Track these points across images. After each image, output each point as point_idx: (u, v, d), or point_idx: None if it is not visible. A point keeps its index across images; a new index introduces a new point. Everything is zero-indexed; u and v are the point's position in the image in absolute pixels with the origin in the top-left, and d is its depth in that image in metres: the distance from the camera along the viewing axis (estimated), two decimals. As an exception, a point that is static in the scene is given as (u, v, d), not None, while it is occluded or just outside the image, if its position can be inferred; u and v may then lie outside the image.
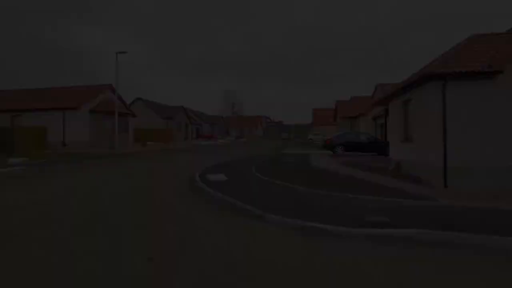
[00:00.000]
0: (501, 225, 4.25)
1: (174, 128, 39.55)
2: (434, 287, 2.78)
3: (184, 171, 10.77)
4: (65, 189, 7.55)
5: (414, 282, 2.86)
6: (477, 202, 5.64)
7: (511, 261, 3.45)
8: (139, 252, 3.56)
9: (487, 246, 3.69)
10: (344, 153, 16.40)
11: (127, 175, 9.88)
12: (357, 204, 5.50)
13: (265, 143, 42.14)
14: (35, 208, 5.64)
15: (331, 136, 18.24)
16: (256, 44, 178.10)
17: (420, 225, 4.18)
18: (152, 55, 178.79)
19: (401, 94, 9.37)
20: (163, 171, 10.93)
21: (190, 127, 47.32)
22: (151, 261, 3.27)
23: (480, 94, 6.99)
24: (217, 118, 67.45)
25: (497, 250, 3.61)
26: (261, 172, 9.67)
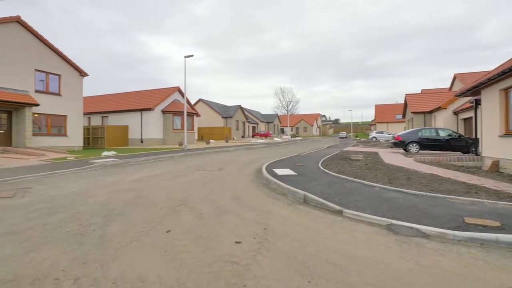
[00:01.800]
0: None
1: (233, 127, 41.08)
2: None
3: (250, 166, 11.08)
4: (156, 176, 8.41)
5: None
6: None
7: None
8: (227, 237, 3.73)
9: None
10: (418, 152, 14.88)
11: (200, 167, 10.56)
12: (450, 205, 4.89)
13: (322, 141, 40.81)
14: (140, 186, 6.41)
15: (402, 133, 16.68)
16: (309, 41, 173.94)
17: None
18: (208, 58, 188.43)
19: (502, 80, 8.03)
20: (230, 164, 11.39)
21: (247, 125, 48.60)
22: (239, 243, 3.44)
23: None
24: (272, 116, 67.89)
25: None
26: (329, 168, 9.34)
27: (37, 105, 16.82)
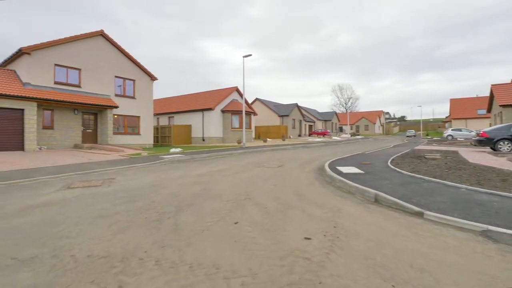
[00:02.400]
0: None
1: (289, 125, 40.78)
2: None
3: (310, 164, 10.78)
4: (219, 171, 8.79)
5: None
6: None
7: None
8: (295, 233, 3.60)
9: None
10: (510, 151, 12.61)
11: (260, 164, 10.66)
12: None
13: (387, 140, 37.76)
14: (205, 179, 6.77)
15: (488, 129, 14.35)
16: (369, 33, 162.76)
17: None
18: (262, 58, 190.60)
19: None
20: (290, 162, 11.25)
21: (304, 124, 47.73)
22: (308, 239, 3.27)
23: None
24: (330, 114, 65.41)
25: None
26: (401, 167, 8.50)
27: (116, 107, 19.12)
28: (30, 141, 15.21)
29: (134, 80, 21.61)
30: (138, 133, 21.79)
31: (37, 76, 16.29)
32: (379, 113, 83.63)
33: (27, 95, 15.00)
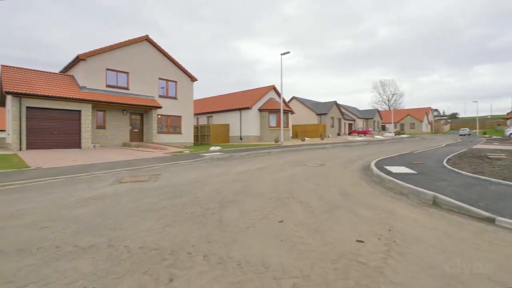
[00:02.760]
0: None
1: (327, 124, 39.59)
2: None
3: (353, 163, 10.26)
4: (259, 169, 8.77)
5: None
6: None
7: None
8: (345, 234, 3.36)
9: None
10: None
11: (300, 162, 10.42)
12: None
13: (436, 139, 34.83)
14: (246, 177, 6.77)
15: None
16: (413, 25, 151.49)
17: None
18: (298, 56, 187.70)
19: None
20: (331, 160, 10.83)
21: (343, 122, 46.00)
22: (361, 242, 3.01)
23: None
24: (371, 112, 62.16)
25: None
26: (460, 167, 7.68)
27: (160, 107, 20.14)
28: (86, 139, 16.66)
29: (176, 82, 22.59)
30: (179, 132, 22.74)
31: (91, 80, 17.78)
32: (426, 110, 77.59)
33: (83, 98, 16.45)
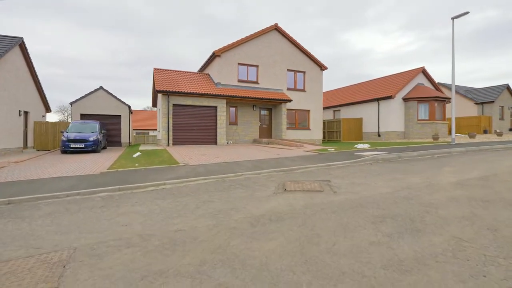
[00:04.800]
0: None
1: (494, 116, 29.36)
2: None
3: None
4: (488, 178, 5.15)
5: None
6: None
7: None
8: None
9: None
10: None
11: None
12: None
13: None
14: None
15: None
16: None
17: None
18: (420, 41, 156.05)
19: None
20: None
21: (516, 113, 33.48)
22: None
23: None
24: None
25: None
26: None
27: (290, 100, 18.31)
28: (221, 135, 16.44)
29: (304, 72, 20.38)
30: (307, 128, 20.45)
31: (224, 76, 17.57)
32: None
33: (219, 93, 16.24)
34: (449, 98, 22.60)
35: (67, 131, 14.24)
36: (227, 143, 17.15)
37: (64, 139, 13.41)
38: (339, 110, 26.30)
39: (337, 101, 27.27)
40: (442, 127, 20.93)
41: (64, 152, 13.45)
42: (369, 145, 13.19)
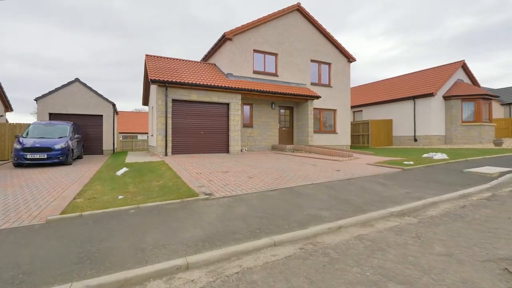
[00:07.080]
0: None
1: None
2: None
3: None
4: None
5: None
6: None
7: None
8: None
9: None
10: None
11: None
12: None
13: None
14: None
15: None
16: None
17: None
18: (402, 45, 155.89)
19: None
20: None
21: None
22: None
23: None
24: None
25: None
26: None
27: (318, 97, 14.72)
28: (235, 141, 12.64)
29: (329, 64, 16.85)
30: (334, 131, 16.89)
31: (236, 65, 13.83)
32: None
33: (233, 86, 12.47)
34: (497, 96, 19.50)
35: (23, 135, 10.19)
36: (241, 150, 13.38)
37: (18, 147, 9.35)
38: (361, 110, 22.85)
39: (357, 100, 23.83)
40: (489, 129, 17.75)
41: (19, 165, 9.41)
42: (445, 154, 9.67)
